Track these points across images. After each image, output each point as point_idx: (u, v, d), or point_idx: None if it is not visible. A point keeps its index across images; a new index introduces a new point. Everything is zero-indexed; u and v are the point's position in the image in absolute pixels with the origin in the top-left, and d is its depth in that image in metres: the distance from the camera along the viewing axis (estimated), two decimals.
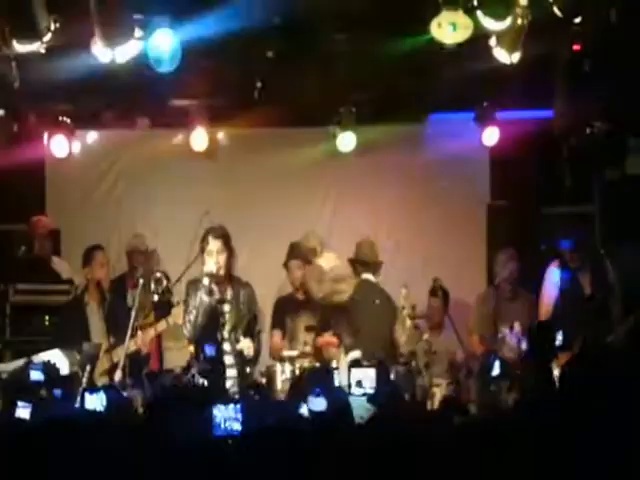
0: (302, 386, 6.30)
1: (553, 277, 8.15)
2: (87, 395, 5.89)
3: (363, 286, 8.50)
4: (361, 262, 8.57)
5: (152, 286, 7.76)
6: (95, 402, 5.80)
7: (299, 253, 9.02)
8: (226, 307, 7.56)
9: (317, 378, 6.32)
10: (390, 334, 8.40)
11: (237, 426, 4.20)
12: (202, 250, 7.58)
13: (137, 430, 4.12)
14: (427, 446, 3.79)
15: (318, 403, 5.71)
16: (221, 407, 4.20)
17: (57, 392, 6.75)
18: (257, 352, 7.73)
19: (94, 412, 5.65)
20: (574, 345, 6.65)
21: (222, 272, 7.53)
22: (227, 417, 4.21)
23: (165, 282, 7.79)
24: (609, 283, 8.07)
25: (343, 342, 8.37)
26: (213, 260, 7.50)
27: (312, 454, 3.50)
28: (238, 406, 4.21)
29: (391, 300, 8.48)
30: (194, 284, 7.55)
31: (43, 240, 9.53)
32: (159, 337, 8.72)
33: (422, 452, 3.77)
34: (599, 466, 3.68)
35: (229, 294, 7.60)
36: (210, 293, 7.46)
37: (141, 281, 7.81)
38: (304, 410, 5.83)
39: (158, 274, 7.83)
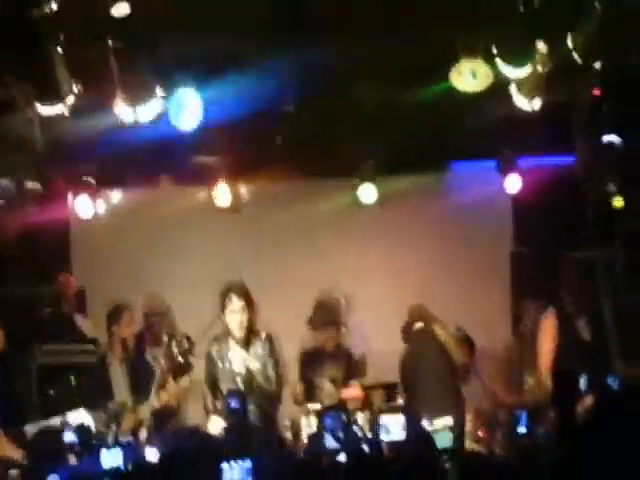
0: (320, 423, 6.27)
1: (551, 325, 8.04)
2: (104, 452, 5.86)
3: (414, 339, 8.52)
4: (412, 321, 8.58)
5: (174, 348, 7.78)
6: (112, 459, 5.79)
7: (319, 325, 8.94)
8: (239, 366, 7.52)
9: (333, 416, 6.27)
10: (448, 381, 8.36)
11: None
12: (222, 308, 7.54)
13: None
14: None
15: (332, 441, 5.69)
16: (232, 464, 4.12)
17: (81, 451, 6.71)
18: (278, 395, 7.68)
19: (112, 470, 5.64)
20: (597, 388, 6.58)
21: (244, 332, 7.51)
22: (237, 476, 4.13)
23: (186, 344, 7.83)
24: (606, 327, 7.97)
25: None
26: (237, 319, 7.47)
27: None
28: (248, 465, 4.11)
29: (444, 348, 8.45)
30: (214, 343, 7.55)
31: (70, 299, 9.57)
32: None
33: None
34: None
35: (252, 352, 7.56)
36: (228, 352, 7.46)
37: (165, 339, 7.84)
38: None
39: (179, 337, 7.86)
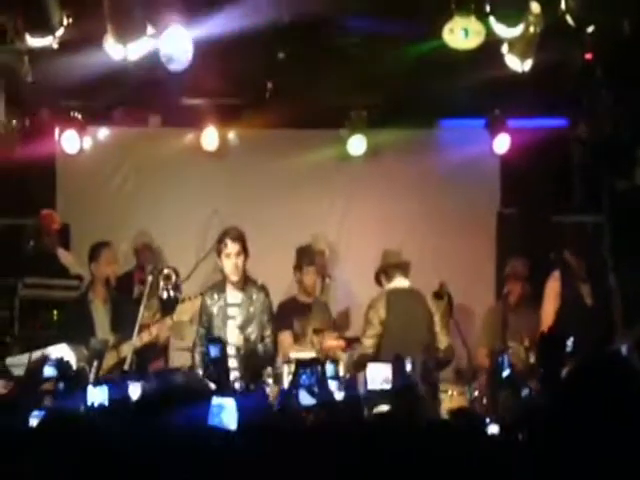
0: (295, 379, 6.26)
1: (554, 288, 8.08)
2: (90, 389, 5.90)
3: (391, 297, 8.32)
4: (387, 267, 8.46)
5: (161, 283, 7.77)
6: (98, 396, 5.81)
7: (312, 259, 9.00)
8: (235, 310, 7.60)
9: (308, 371, 6.26)
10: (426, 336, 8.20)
11: (232, 422, 4.14)
12: (218, 252, 7.60)
13: (133, 422, 4.11)
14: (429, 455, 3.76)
15: (307, 397, 5.70)
16: (218, 399, 4.17)
17: (61, 386, 6.73)
18: (269, 353, 7.73)
19: (96, 406, 5.67)
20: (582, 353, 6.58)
21: (239, 276, 7.58)
22: (222, 410, 4.16)
23: (174, 278, 7.80)
24: (610, 293, 8.01)
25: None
26: (232, 263, 7.54)
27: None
28: (232, 403, 4.15)
29: (424, 303, 8.27)
30: (210, 290, 7.62)
31: (52, 235, 9.56)
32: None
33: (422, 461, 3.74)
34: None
35: (240, 297, 7.63)
36: (224, 297, 7.52)
37: (150, 278, 7.80)
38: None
39: (166, 270, 7.84)
